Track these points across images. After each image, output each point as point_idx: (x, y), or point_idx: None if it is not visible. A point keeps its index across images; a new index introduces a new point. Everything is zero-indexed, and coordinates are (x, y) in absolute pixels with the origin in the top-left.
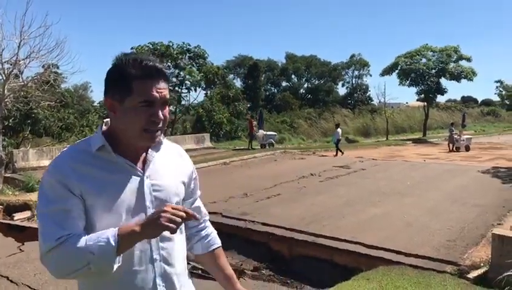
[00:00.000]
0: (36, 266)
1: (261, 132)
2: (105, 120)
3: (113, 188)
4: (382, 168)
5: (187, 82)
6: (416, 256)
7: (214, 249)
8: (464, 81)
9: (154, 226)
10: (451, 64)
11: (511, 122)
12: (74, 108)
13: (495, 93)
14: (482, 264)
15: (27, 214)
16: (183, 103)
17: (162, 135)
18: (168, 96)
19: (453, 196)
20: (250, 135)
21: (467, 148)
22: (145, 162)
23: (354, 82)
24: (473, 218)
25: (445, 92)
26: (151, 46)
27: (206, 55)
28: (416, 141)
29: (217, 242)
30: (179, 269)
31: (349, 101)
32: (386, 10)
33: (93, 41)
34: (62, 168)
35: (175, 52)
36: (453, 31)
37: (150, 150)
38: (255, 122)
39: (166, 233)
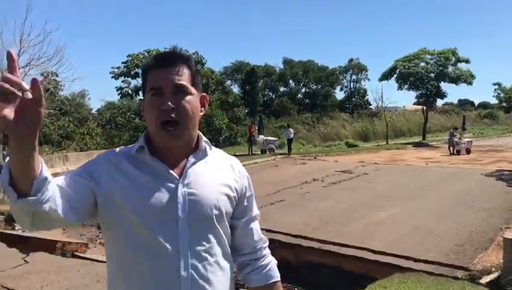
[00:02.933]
0: (43, 277)
1: (261, 138)
2: None
3: (143, 190)
4: (385, 172)
5: None
6: (426, 261)
7: (270, 284)
8: (459, 84)
9: None
10: (450, 68)
11: (509, 125)
12: (72, 116)
13: (493, 96)
14: (493, 269)
15: None
16: None
17: (206, 143)
18: (182, 82)
19: (458, 199)
20: (249, 140)
21: (468, 151)
22: (184, 169)
23: (352, 86)
24: (480, 222)
25: (445, 96)
26: (146, 53)
27: (204, 61)
28: (416, 145)
29: (275, 275)
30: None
31: (347, 106)
32: (383, 14)
33: (91, 49)
34: (100, 159)
35: None
36: (450, 34)
37: (190, 156)
38: (255, 128)
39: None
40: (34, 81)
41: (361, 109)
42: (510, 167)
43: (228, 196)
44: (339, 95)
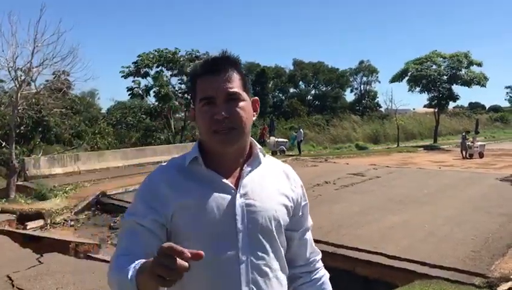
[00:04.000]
0: (58, 279)
1: (273, 139)
2: None
3: (201, 204)
4: (397, 175)
5: None
6: (442, 267)
7: None
8: (472, 87)
9: (148, 274)
10: (463, 70)
11: None
12: (83, 115)
13: (505, 99)
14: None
15: (40, 223)
16: None
17: (260, 151)
18: (235, 89)
19: (473, 204)
20: (259, 142)
21: (481, 155)
22: (239, 178)
23: (362, 88)
24: (496, 228)
25: (458, 98)
26: (156, 53)
27: None
28: (427, 148)
29: (328, 289)
30: None
31: (358, 108)
32: (393, 16)
33: (100, 48)
34: (154, 179)
35: (181, 59)
36: (461, 38)
37: (245, 165)
38: (267, 129)
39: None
40: (197, 256)
41: (372, 111)
42: None
43: (286, 207)
44: (349, 97)
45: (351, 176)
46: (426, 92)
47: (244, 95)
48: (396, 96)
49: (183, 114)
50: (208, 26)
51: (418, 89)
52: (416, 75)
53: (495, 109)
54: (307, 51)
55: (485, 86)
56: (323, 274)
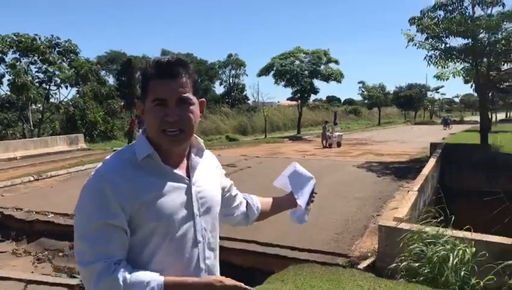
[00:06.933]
0: None
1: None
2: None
3: (162, 196)
4: (266, 165)
5: (56, 78)
6: (310, 251)
7: (260, 207)
8: (330, 82)
9: None
10: (322, 67)
11: (371, 120)
12: None
13: (358, 93)
14: (369, 254)
15: None
16: (52, 100)
17: (200, 140)
18: (187, 94)
19: (334, 190)
20: (129, 134)
21: (339, 145)
22: (188, 168)
23: (231, 81)
24: (354, 211)
25: (318, 91)
26: (15, 37)
27: (77, 50)
28: (292, 138)
29: (256, 199)
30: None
31: (227, 100)
32: (260, 12)
33: None
34: (110, 175)
35: (42, 46)
36: (322, 36)
37: (192, 155)
38: (136, 122)
39: (212, 242)
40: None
41: (240, 103)
42: (376, 158)
43: (220, 191)
44: (219, 89)
45: (224, 167)
46: (290, 86)
47: (194, 99)
48: (263, 90)
49: (40, 106)
50: (70, 11)
51: (283, 83)
52: (281, 70)
53: (349, 102)
54: (176, 41)
55: (340, 82)
56: (246, 196)
